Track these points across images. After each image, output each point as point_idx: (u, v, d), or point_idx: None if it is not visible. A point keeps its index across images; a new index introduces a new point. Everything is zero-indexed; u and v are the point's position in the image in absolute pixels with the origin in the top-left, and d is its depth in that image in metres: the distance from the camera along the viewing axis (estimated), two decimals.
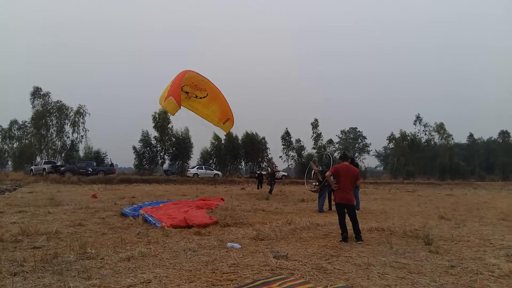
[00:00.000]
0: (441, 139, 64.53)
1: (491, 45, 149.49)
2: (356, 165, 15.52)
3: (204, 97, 14.44)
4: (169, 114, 14.01)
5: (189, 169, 48.27)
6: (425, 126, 63.49)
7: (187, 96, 14.08)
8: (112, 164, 47.40)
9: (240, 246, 6.72)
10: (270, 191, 22.21)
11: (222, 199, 16.77)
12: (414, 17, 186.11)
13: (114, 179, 35.47)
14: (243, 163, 59.84)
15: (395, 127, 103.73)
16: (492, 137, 74.09)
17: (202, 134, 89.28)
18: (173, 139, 52.43)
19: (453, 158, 65.08)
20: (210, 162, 55.31)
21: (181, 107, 12.74)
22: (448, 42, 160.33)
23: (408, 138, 62.91)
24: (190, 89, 14.10)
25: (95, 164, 43.20)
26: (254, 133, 57.53)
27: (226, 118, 15.09)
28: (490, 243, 7.41)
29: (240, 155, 57.34)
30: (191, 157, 55.12)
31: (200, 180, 39.81)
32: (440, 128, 63.81)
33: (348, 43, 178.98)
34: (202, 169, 47.03)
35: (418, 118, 63.43)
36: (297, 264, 5.52)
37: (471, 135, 71.56)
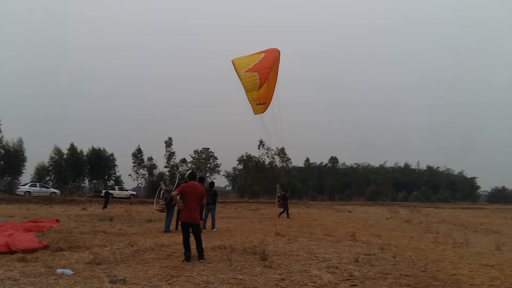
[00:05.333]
0: (281, 162, 70.83)
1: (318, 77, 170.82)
2: (212, 184, 15.86)
3: None
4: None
5: (19, 186, 42.12)
6: (267, 150, 68.97)
7: None
8: None
9: (72, 272, 6.15)
10: (286, 213, 20.73)
11: (57, 220, 15.11)
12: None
13: None
14: (86, 181, 55.26)
15: (244, 149, 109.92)
16: (323, 162, 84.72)
17: (39, 146, 79.57)
18: (2, 151, 45.28)
19: (291, 179, 71.97)
20: (47, 179, 49.48)
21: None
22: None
23: (254, 160, 67.40)
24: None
25: None
26: (102, 149, 53.85)
27: (263, 101, 14.04)
28: (315, 257, 8.37)
29: (84, 172, 52.80)
30: (23, 173, 48.67)
31: (32, 199, 35.04)
32: (281, 152, 70.10)
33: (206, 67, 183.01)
34: (36, 186, 41.58)
35: (262, 143, 68.66)
36: None
37: (307, 159, 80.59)
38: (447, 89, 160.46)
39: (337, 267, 7.22)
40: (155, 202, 17.97)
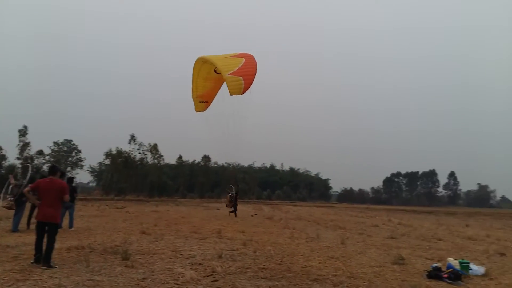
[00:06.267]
0: (153, 159, 68.92)
1: None
2: (70, 180, 14.49)
3: (216, 72, 12.79)
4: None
5: None
6: (139, 145, 66.37)
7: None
8: None
9: None
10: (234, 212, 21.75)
11: None
12: None
13: None
14: None
15: (113, 143, 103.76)
16: (196, 160, 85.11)
17: None
18: None
19: (162, 176, 70.61)
20: None
21: None
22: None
23: (124, 155, 64.16)
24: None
25: None
26: None
27: (206, 99, 13.97)
28: (180, 254, 8.40)
29: None
30: None
31: None
32: (154, 148, 68.22)
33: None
34: None
35: (133, 138, 65.75)
36: None
37: (180, 157, 79.97)
38: (307, 93, 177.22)
39: (200, 264, 7.38)
40: (1, 198, 15.74)
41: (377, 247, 11.14)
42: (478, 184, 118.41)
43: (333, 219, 23.97)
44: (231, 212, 21.99)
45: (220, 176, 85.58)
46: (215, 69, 13.24)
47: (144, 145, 67.08)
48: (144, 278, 6.03)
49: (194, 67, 13.57)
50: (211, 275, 6.50)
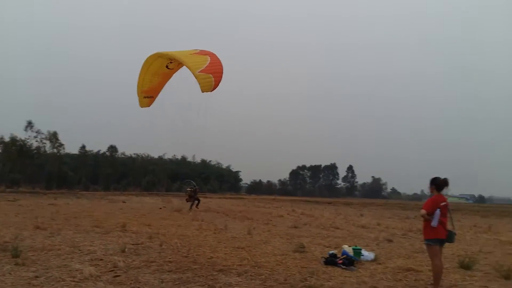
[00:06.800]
0: (52, 148, 63.49)
1: None
2: None
3: (168, 67, 13.05)
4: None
5: None
6: (37, 133, 60.68)
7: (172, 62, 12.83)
8: None
9: None
10: (197, 205, 22.13)
11: None
12: None
13: None
14: None
15: (6, 130, 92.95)
16: (101, 150, 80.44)
17: None
18: None
19: (62, 167, 65.47)
20: None
21: None
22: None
23: (18, 143, 58.15)
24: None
25: None
26: None
27: (151, 94, 13.78)
28: (79, 250, 7.97)
29: None
30: None
31: None
32: (53, 136, 62.79)
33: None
34: None
35: (30, 124, 59.90)
36: None
37: (83, 147, 74.96)
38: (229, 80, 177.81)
39: (101, 259, 7.09)
40: None
41: (281, 236, 11.70)
42: (372, 177, 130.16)
43: (241, 210, 24.55)
44: (198, 205, 22.30)
45: (129, 167, 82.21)
46: (168, 64, 13.38)
47: (43, 133, 61.46)
48: (36, 276, 5.62)
49: (146, 61, 13.25)
50: (112, 270, 6.28)
